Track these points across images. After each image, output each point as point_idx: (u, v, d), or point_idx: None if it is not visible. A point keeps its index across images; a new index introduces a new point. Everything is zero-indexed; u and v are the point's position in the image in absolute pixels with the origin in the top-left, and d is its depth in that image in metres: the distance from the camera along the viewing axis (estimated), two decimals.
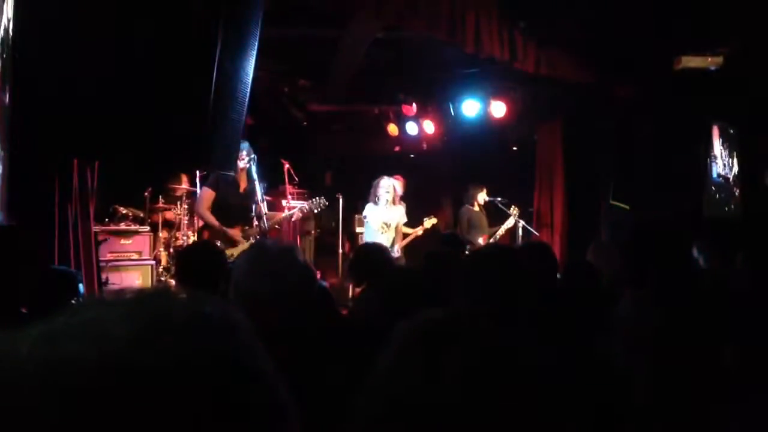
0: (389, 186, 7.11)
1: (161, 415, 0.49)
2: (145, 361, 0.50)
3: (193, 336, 0.53)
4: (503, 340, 0.93)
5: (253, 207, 5.87)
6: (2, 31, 3.90)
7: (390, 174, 8.06)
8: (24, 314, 3.37)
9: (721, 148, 9.87)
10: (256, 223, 5.91)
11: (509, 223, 8.18)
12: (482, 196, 8.41)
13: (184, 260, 3.70)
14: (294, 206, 6.44)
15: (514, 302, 2.08)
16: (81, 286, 3.53)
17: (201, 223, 6.25)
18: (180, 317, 0.54)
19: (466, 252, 5.69)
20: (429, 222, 8.22)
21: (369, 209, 7.15)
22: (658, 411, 1.78)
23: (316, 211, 6.70)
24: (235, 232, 5.81)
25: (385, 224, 7.11)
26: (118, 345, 0.50)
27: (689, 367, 1.85)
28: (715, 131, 9.72)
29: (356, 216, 8.67)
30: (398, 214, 7.24)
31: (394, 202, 7.15)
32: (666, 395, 1.78)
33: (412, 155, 11.31)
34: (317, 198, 6.56)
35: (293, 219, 6.40)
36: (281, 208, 8.23)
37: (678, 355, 1.93)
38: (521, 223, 8.38)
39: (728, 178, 10.04)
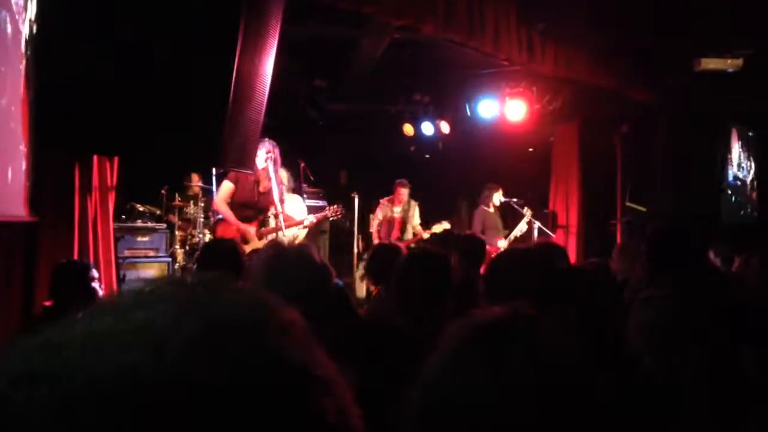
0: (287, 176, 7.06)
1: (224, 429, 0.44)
2: (207, 372, 0.45)
3: (254, 339, 0.48)
4: (562, 339, 0.93)
5: (270, 206, 5.88)
6: (27, 30, 3.95)
7: (403, 176, 8.18)
8: (49, 308, 3.44)
9: (740, 151, 9.80)
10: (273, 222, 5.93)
11: (523, 224, 8.17)
12: (498, 197, 8.39)
13: (204, 256, 3.73)
14: (304, 218, 6.26)
15: (548, 303, 2.09)
16: (95, 272, 3.60)
17: (217, 217, 6.24)
18: (238, 318, 0.49)
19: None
20: (439, 227, 8.20)
21: None
22: (682, 414, 1.78)
23: (331, 218, 6.54)
24: (250, 229, 5.85)
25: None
26: (176, 354, 0.45)
27: (711, 370, 1.85)
28: (734, 134, 9.65)
29: (371, 215, 8.71)
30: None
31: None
32: (690, 399, 1.78)
33: (427, 155, 11.31)
34: (335, 206, 6.44)
35: (306, 226, 6.26)
36: None
37: (698, 358, 1.92)
38: (537, 224, 8.36)
39: (745, 182, 9.97)
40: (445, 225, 8.20)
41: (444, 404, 0.88)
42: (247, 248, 5.62)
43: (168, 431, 0.42)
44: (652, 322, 2.12)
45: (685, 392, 1.87)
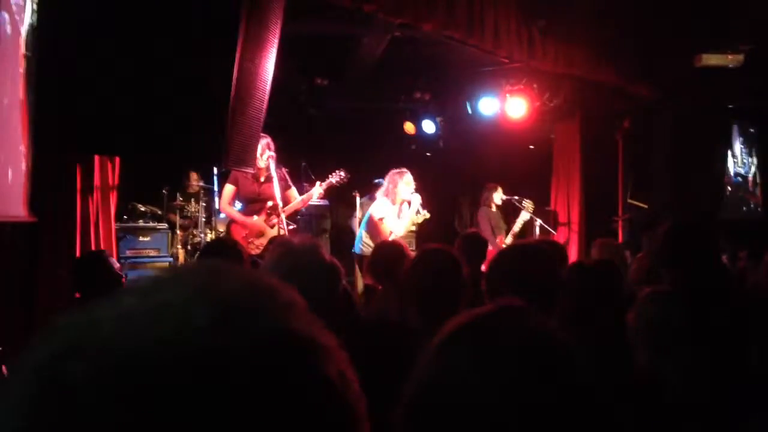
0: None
1: (248, 398, 0.48)
2: (227, 343, 0.49)
3: (263, 314, 0.53)
4: (551, 338, 0.92)
5: (273, 196, 5.92)
6: (27, 31, 3.94)
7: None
8: (78, 299, 3.54)
9: (741, 147, 9.78)
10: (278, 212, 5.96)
11: (523, 217, 8.09)
12: (498, 196, 8.37)
13: (203, 256, 3.74)
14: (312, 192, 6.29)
15: (548, 300, 2.08)
16: (113, 261, 3.73)
17: (226, 219, 6.37)
18: (248, 296, 0.54)
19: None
20: (419, 218, 8.20)
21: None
22: (686, 412, 1.76)
23: (337, 183, 6.49)
24: (259, 222, 5.96)
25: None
26: (197, 328, 0.50)
27: (716, 367, 1.83)
28: (735, 130, 9.63)
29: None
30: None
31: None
32: (695, 395, 1.76)
33: (428, 153, 11.29)
34: (336, 171, 6.47)
35: (317, 198, 6.35)
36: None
37: (705, 356, 1.91)
38: (538, 221, 8.33)
39: (747, 178, 9.95)
40: (425, 214, 8.17)
41: (429, 400, 0.89)
42: (263, 240, 5.89)
43: (194, 398, 0.47)
44: (654, 319, 2.10)
45: (682, 390, 1.86)
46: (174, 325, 0.49)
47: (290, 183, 6.13)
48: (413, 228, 8.20)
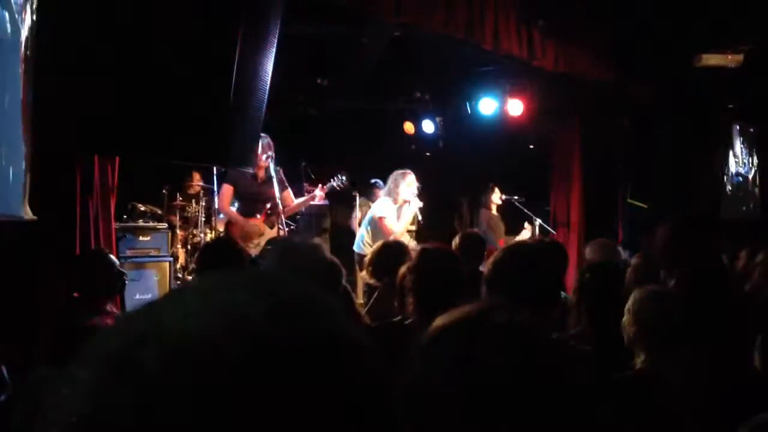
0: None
1: (303, 393, 0.52)
2: (284, 336, 0.54)
3: (316, 317, 0.58)
4: (535, 337, 0.93)
5: (272, 197, 5.95)
6: (27, 31, 3.94)
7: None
8: (77, 299, 3.54)
9: (741, 146, 9.79)
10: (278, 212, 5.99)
11: (523, 235, 8.04)
12: (496, 197, 8.38)
13: (204, 256, 3.74)
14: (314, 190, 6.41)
15: (548, 299, 2.07)
16: (113, 259, 3.74)
17: (225, 219, 6.39)
18: (301, 298, 0.59)
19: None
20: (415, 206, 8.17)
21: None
22: (683, 412, 1.76)
23: (338, 187, 6.62)
24: (259, 222, 5.98)
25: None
26: (256, 323, 0.54)
27: (714, 369, 1.83)
28: (735, 130, 9.64)
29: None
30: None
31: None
32: (691, 396, 1.76)
33: (428, 153, 11.29)
34: (338, 176, 6.53)
35: (318, 200, 6.43)
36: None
37: (704, 357, 1.90)
38: (538, 221, 8.33)
39: (747, 177, 9.95)
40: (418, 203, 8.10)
41: (419, 395, 0.90)
42: (262, 240, 5.93)
43: (250, 387, 0.51)
44: (650, 319, 2.09)
45: (680, 391, 1.85)
46: (233, 320, 0.54)
47: (287, 184, 6.13)
48: (412, 227, 8.20)
